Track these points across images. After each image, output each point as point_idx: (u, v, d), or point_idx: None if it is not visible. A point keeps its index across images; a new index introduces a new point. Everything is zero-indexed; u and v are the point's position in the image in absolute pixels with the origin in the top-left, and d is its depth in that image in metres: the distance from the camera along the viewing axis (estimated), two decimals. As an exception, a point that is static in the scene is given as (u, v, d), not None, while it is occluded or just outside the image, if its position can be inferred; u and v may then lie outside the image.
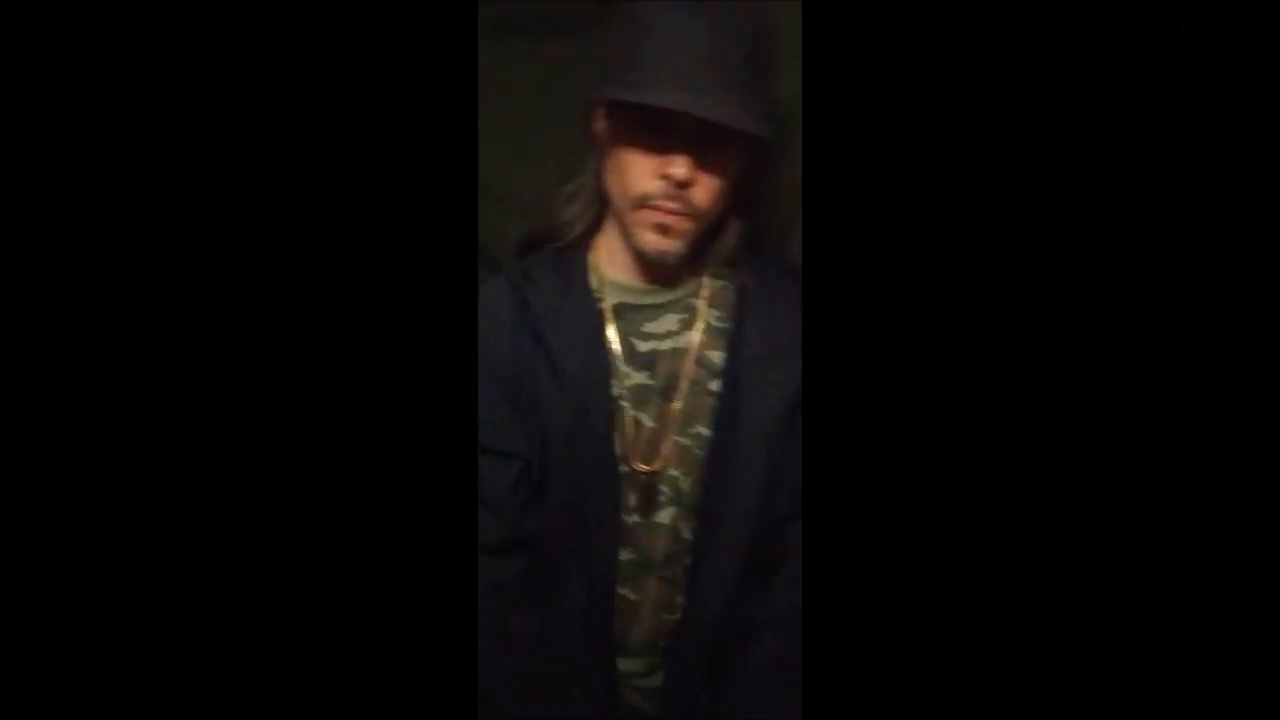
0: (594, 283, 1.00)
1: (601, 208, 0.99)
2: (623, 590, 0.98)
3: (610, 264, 1.01)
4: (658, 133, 0.89)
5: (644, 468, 0.97)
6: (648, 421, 0.98)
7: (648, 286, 1.01)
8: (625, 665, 0.99)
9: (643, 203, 0.93)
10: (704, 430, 0.97)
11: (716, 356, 0.99)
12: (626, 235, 0.97)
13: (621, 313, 1.00)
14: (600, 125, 0.95)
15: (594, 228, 1.00)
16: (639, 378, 0.98)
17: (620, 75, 0.89)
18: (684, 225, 0.93)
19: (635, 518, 0.98)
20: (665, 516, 0.97)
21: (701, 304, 1.00)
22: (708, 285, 1.01)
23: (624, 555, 0.97)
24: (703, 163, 0.91)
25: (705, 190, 0.92)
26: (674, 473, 0.98)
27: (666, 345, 0.99)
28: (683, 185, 0.91)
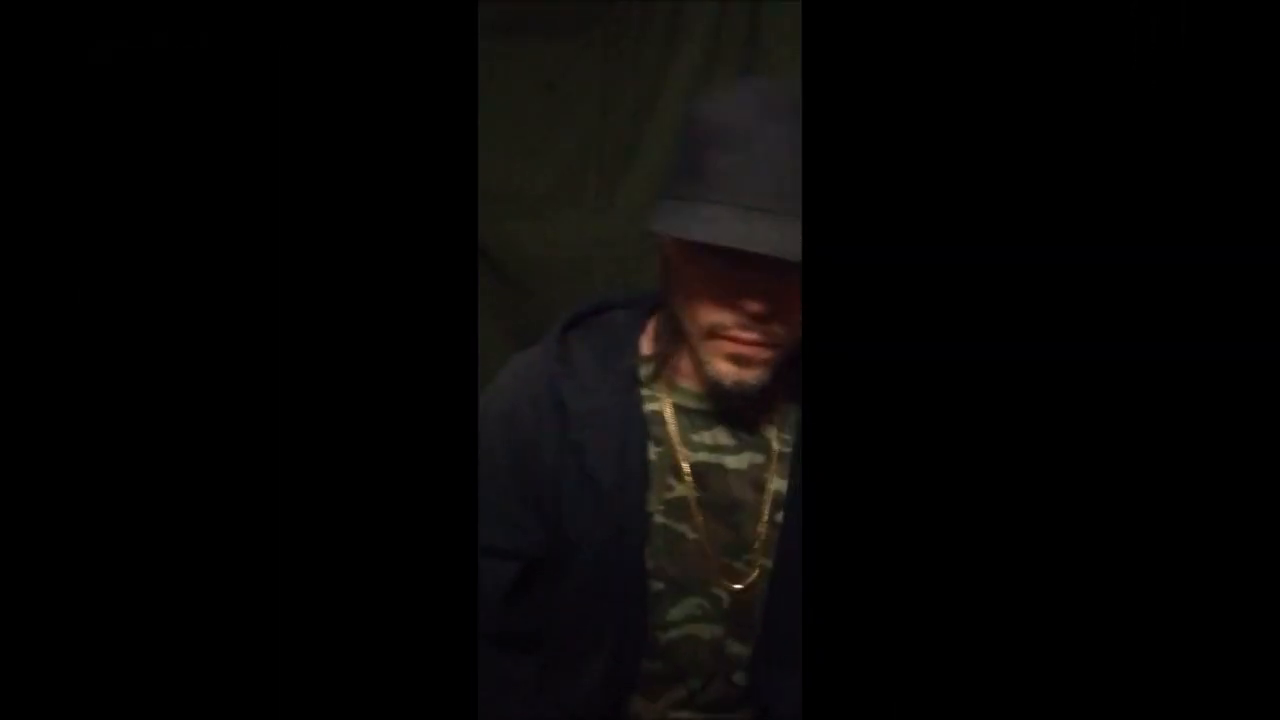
0: (646, 388, 0.90)
1: (673, 334, 0.88)
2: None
3: (681, 374, 0.91)
4: (733, 262, 0.78)
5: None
6: (690, 534, 0.89)
7: (708, 400, 0.90)
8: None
9: (716, 333, 0.83)
10: (768, 563, 0.88)
11: (775, 482, 0.89)
12: (700, 363, 0.86)
13: (670, 418, 0.89)
14: (669, 248, 0.85)
15: (662, 343, 0.90)
16: (684, 493, 0.89)
17: (686, 201, 0.79)
18: (764, 356, 0.83)
19: (671, 633, 0.90)
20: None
21: (759, 419, 0.90)
22: (784, 406, 0.90)
23: (650, 665, 0.90)
24: (782, 293, 0.80)
25: (786, 322, 0.82)
26: (718, 592, 0.89)
27: (716, 459, 0.90)
28: (760, 318, 0.81)
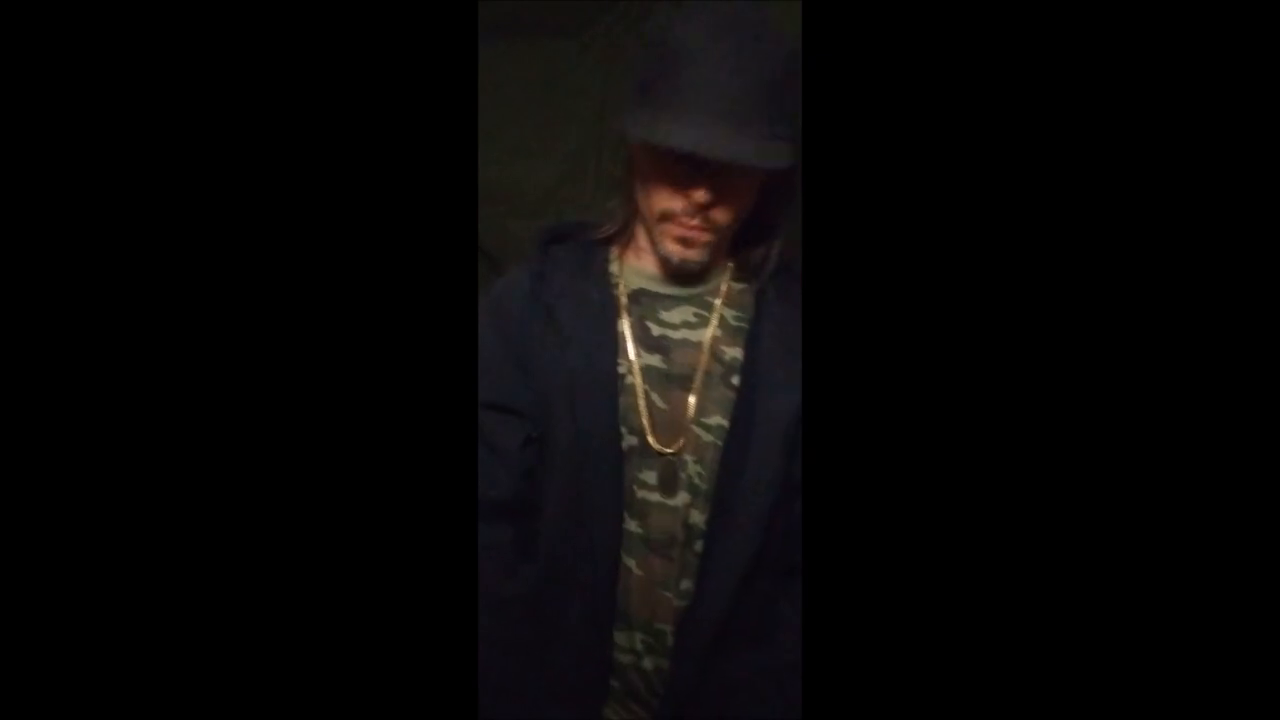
0: (614, 270, 1.06)
1: (631, 215, 1.06)
2: (627, 561, 1.01)
3: (635, 258, 1.07)
4: (682, 161, 0.95)
5: (665, 449, 1.01)
6: (660, 403, 1.01)
7: (667, 281, 1.06)
8: (621, 639, 1.02)
9: (666, 217, 1.00)
10: (722, 421, 1.01)
11: (732, 352, 1.04)
12: (652, 242, 1.03)
13: (638, 298, 1.05)
14: (635, 150, 1.02)
15: (623, 230, 1.07)
16: (651, 359, 1.03)
17: (645, 110, 0.95)
18: (705, 238, 1.00)
19: (646, 494, 1.01)
20: (679, 500, 1.01)
21: (718, 302, 1.06)
22: (726, 285, 1.06)
23: (630, 526, 1.01)
24: (725, 188, 0.98)
25: (726, 211, 0.99)
26: (689, 458, 1.01)
27: (679, 335, 1.04)
28: (705, 207, 0.98)
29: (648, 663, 1.01)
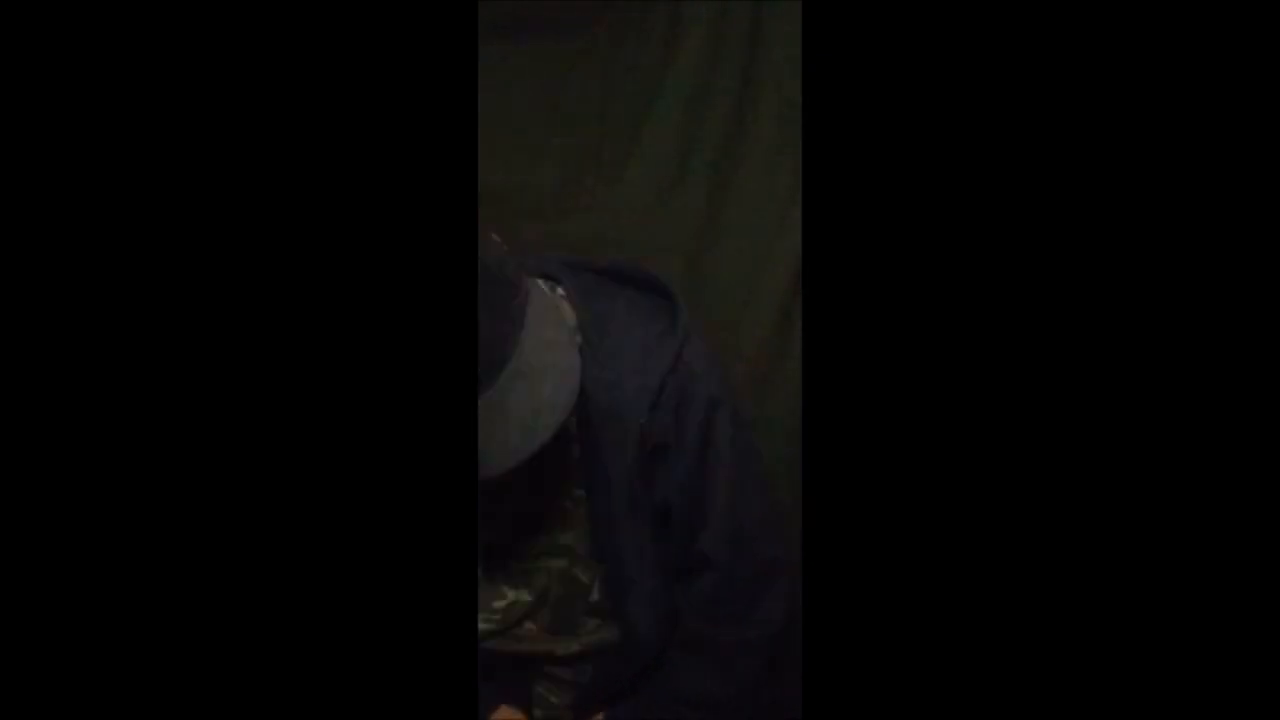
0: None
1: None
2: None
3: None
4: None
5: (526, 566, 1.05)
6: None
7: None
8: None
9: None
10: (579, 490, 1.03)
11: (572, 421, 1.00)
12: None
13: None
14: None
15: None
16: None
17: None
18: None
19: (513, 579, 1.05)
20: (549, 563, 1.05)
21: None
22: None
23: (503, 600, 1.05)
24: None
25: None
26: (552, 531, 1.05)
27: None
28: None
29: (554, 697, 1.08)
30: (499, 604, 1.05)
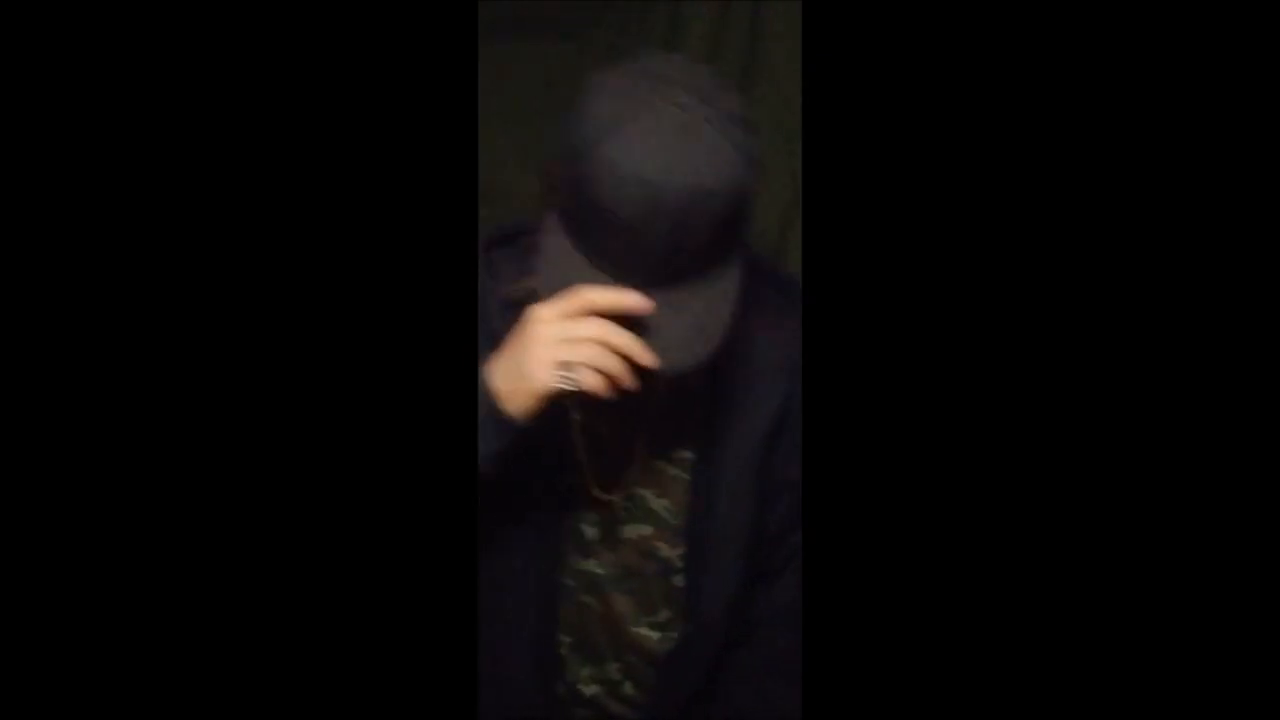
0: None
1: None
2: (586, 598, 0.97)
3: None
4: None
5: (601, 495, 0.93)
6: (605, 435, 0.93)
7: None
8: (592, 672, 0.99)
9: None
10: (687, 455, 0.94)
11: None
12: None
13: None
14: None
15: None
16: (588, 565, 0.96)
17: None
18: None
19: (594, 530, 0.96)
20: (631, 532, 0.96)
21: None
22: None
23: (582, 565, 0.96)
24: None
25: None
26: (643, 491, 0.95)
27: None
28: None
29: (628, 688, 0.99)
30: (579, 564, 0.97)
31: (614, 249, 0.78)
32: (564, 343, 0.78)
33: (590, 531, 0.95)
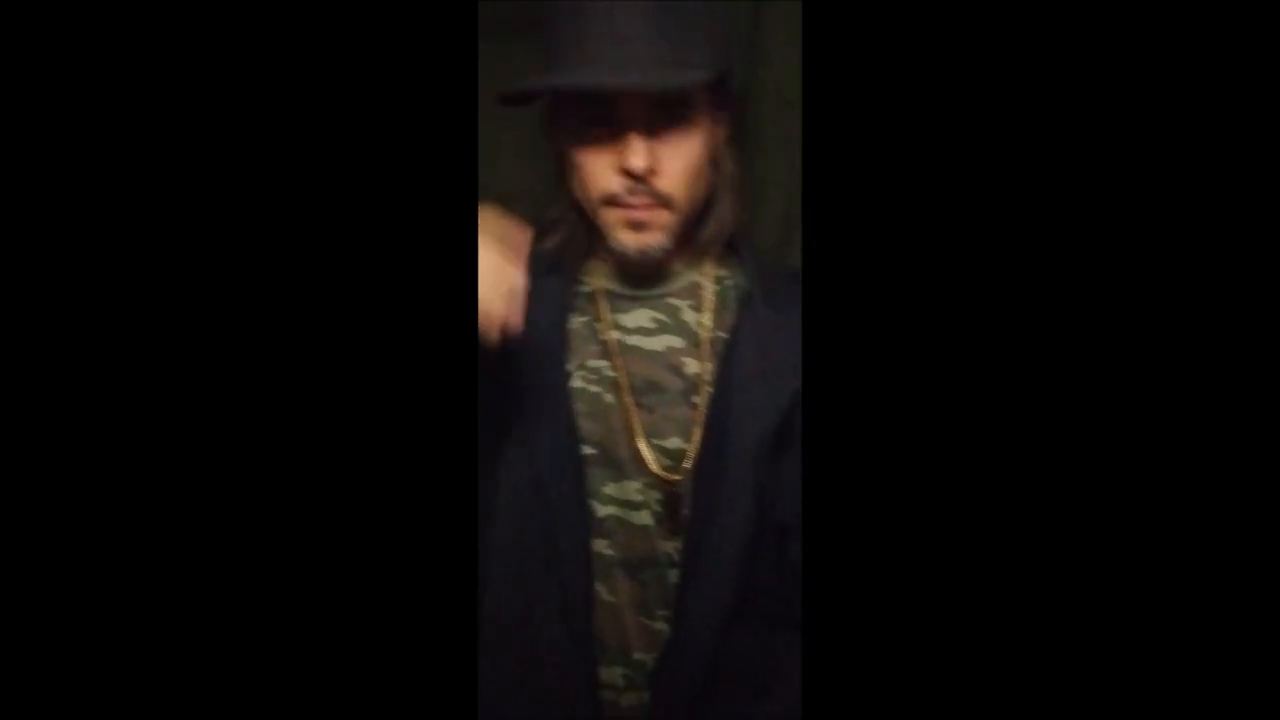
0: (582, 273, 0.96)
1: (575, 220, 0.93)
2: (597, 585, 0.91)
3: (601, 260, 0.96)
4: (605, 123, 0.85)
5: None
6: (614, 414, 0.92)
7: (630, 281, 0.95)
8: (601, 674, 0.93)
9: (610, 201, 0.88)
10: (681, 444, 0.91)
11: (693, 366, 0.93)
12: (603, 237, 0.91)
13: (597, 298, 0.94)
14: (553, 130, 0.92)
15: (572, 239, 0.95)
16: (602, 365, 0.93)
17: (548, 69, 0.86)
18: (657, 218, 0.88)
19: (611, 509, 0.92)
20: (643, 518, 0.92)
21: (684, 305, 0.95)
22: (704, 287, 0.95)
23: (596, 547, 0.92)
24: (662, 146, 0.86)
25: (672, 178, 0.87)
26: (643, 482, 0.92)
27: (633, 341, 0.93)
28: (645, 177, 0.85)
29: (630, 698, 0.92)
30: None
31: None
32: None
33: (605, 510, 0.91)
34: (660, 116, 0.85)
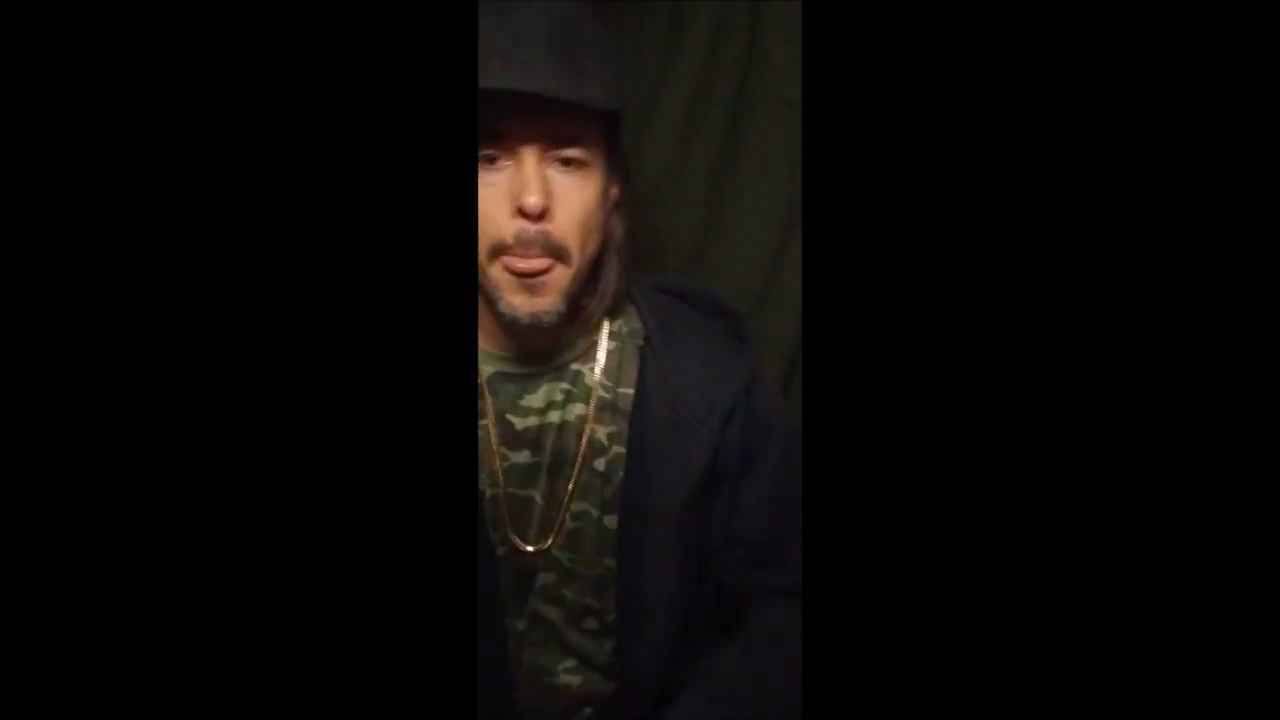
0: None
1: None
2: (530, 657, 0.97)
3: (485, 339, 0.91)
4: (502, 156, 0.82)
5: (526, 547, 0.93)
6: (538, 499, 0.93)
7: (525, 356, 0.91)
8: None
9: (500, 251, 0.83)
10: (589, 508, 0.93)
11: (602, 432, 0.92)
12: (492, 301, 0.85)
13: (494, 386, 0.91)
14: None
15: None
16: (518, 458, 0.92)
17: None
18: (552, 276, 0.83)
19: (514, 590, 0.95)
20: (545, 580, 0.95)
21: (585, 370, 0.93)
22: (599, 346, 0.93)
23: (519, 625, 0.96)
24: (557, 189, 0.82)
25: (565, 225, 0.83)
26: (558, 554, 0.94)
27: (552, 418, 0.92)
28: (539, 216, 0.81)
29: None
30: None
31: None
32: None
33: (508, 592, 0.94)
34: (556, 160, 0.82)
